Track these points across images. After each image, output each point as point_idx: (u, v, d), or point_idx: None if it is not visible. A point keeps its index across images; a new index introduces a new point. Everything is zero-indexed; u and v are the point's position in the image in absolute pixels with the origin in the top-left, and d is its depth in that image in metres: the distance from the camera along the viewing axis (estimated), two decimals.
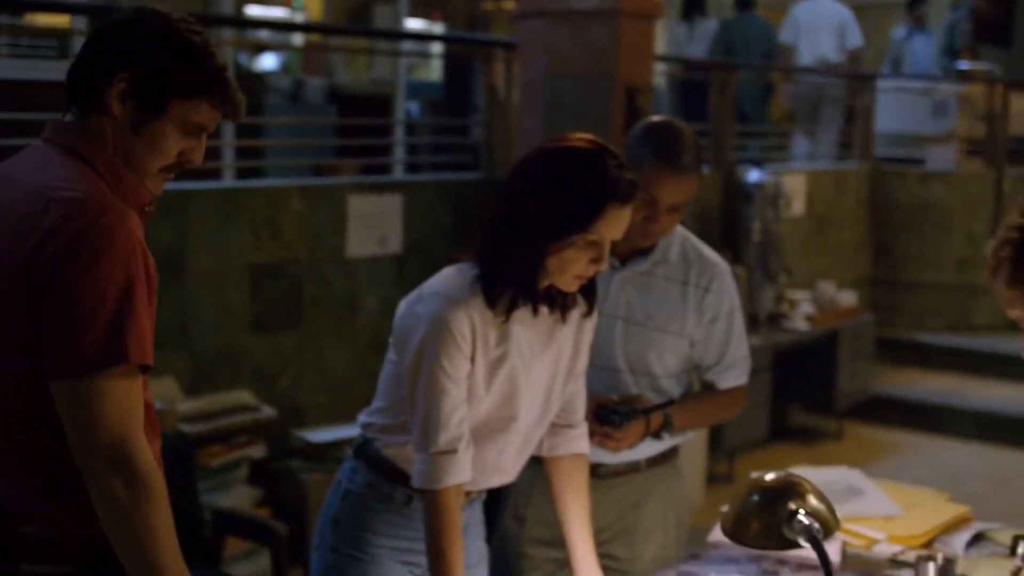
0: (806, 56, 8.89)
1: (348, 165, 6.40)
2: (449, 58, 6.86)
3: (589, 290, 2.40)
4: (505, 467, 2.42)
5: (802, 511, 1.91)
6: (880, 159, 8.40)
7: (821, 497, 1.98)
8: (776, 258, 6.72)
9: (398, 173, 6.48)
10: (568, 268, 2.24)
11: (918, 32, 10.11)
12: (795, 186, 7.42)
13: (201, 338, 4.42)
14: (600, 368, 2.76)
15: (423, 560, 2.37)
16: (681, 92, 9.25)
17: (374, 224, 4.94)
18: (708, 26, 9.52)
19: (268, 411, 4.27)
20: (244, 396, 4.32)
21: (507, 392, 2.35)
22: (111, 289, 1.80)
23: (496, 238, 2.28)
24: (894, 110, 8.49)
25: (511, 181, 2.31)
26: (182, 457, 3.99)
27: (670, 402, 2.73)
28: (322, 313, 4.84)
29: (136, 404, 1.86)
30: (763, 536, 1.96)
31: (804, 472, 3.03)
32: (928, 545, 2.68)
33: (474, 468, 2.29)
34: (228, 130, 5.58)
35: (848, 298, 7.06)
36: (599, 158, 2.24)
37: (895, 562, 2.63)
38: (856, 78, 8.54)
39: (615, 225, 2.24)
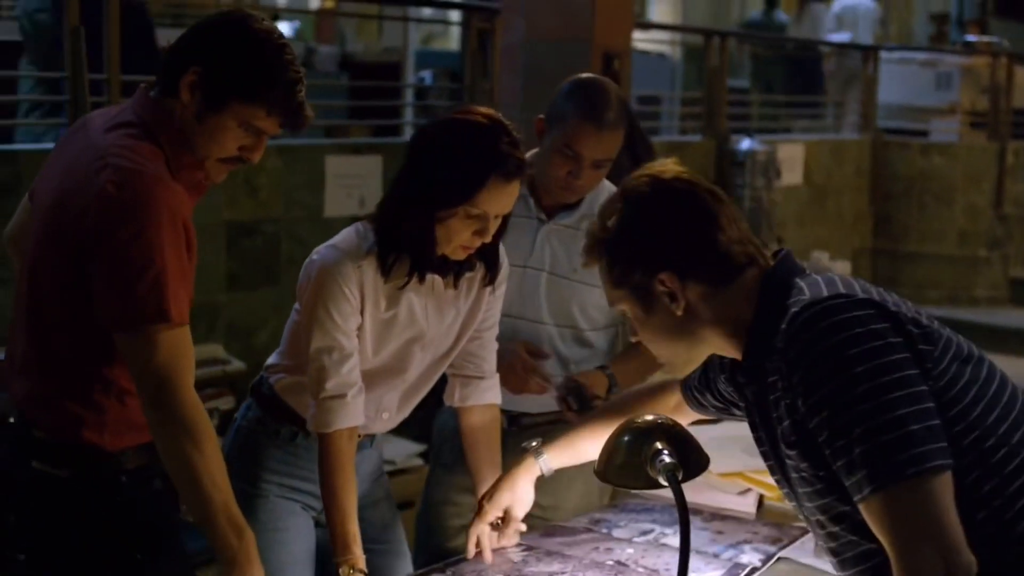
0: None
1: (358, 128, 6.46)
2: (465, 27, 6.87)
3: (491, 260, 2.46)
4: (389, 409, 2.50)
5: (666, 451, 1.97)
6: (883, 130, 8.38)
7: (690, 440, 2.04)
8: (768, 227, 6.73)
9: (407, 137, 6.52)
10: (452, 238, 2.29)
11: None
12: (792, 156, 7.41)
13: None
14: (525, 320, 2.83)
15: (314, 502, 2.46)
16: (788, 66, 9.69)
17: (353, 185, 5.00)
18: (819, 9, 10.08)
19: (238, 364, 4.36)
20: (216, 350, 4.41)
21: (398, 354, 2.42)
22: (153, 257, 2.01)
23: (390, 205, 2.34)
24: (898, 82, 8.46)
25: (408, 150, 2.37)
26: None
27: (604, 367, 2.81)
28: (299, 271, 4.90)
29: (183, 353, 2.08)
30: (628, 474, 2.03)
31: (727, 426, 3.10)
32: None
33: None
34: None
35: (843, 268, 7.06)
36: (491, 132, 2.27)
37: None
38: (860, 49, 8.51)
39: (498, 200, 2.28)
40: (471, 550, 2.49)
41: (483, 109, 2.34)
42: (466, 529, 2.87)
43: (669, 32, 9.22)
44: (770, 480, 2.75)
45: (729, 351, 1.95)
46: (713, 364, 2.17)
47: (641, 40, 9.81)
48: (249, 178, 4.70)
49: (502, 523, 2.52)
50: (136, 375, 2.08)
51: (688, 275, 1.88)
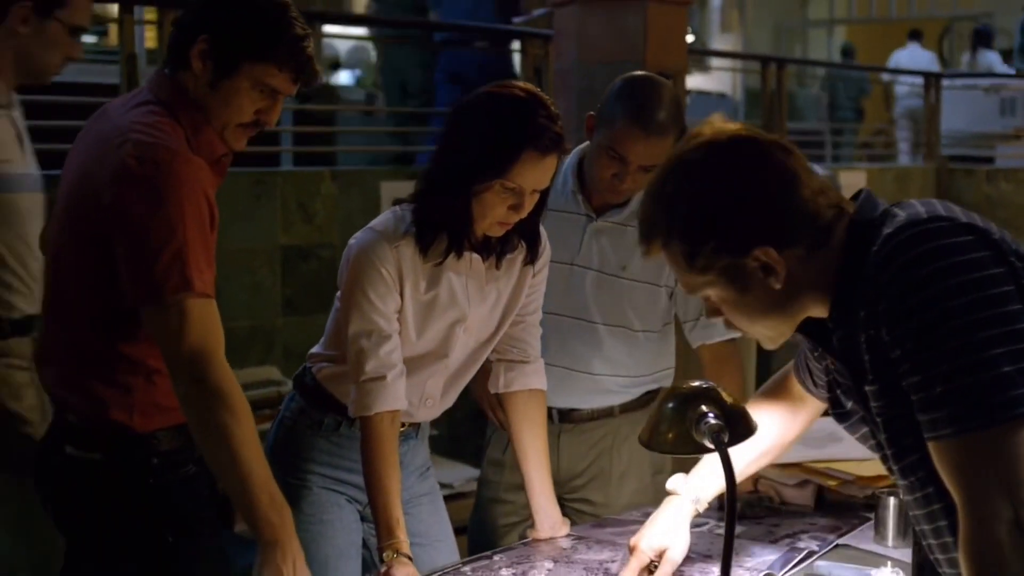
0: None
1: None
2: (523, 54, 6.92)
3: (532, 238, 2.42)
4: (433, 396, 2.45)
5: (711, 414, 1.91)
6: (948, 157, 8.26)
7: (737, 406, 1.97)
8: None
9: None
10: (488, 213, 2.25)
11: None
12: (854, 183, 7.31)
13: (234, 316, 4.53)
14: (573, 318, 2.78)
15: (359, 494, 2.41)
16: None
17: None
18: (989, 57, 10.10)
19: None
20: (271, 372, 4.41)
21: (440, 337, 2.38)
22: (175, 228, 2.00)
23: (429, 181, 2.32)
24: (962, 109, 8.35)
25: (445, 125, 2.34)
26: None
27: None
28: None
29: (213, 324, 2.06)
30: (674, 440, 1.95)
31: None
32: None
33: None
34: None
35: None
36: (527, 105, 2.23)
37: (867, 506, 2.61)
38: (922, 76, 8.43)
39: (533, 174, 2.23)
40: None
41: (522, 84, 2.31)
42: (516, 527, 2.82)
43: (731, 72, 9.19)
44: (829, 472, 2.71)
45: (825, 311, 1.75)
46: (804, 346, 2.03)
47: (702, 82, 9.82)
48: (304, 203, 4.73)
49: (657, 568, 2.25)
50: (167, 351, 2.06)
51: (783, 242, 1.66)
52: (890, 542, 2.41)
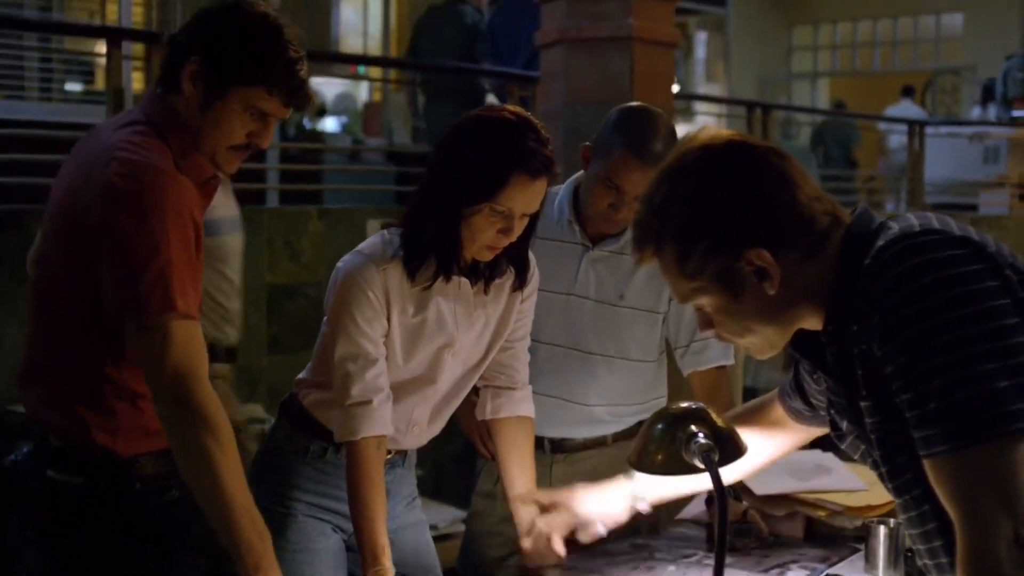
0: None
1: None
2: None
3: (520, 263, 2.41)
4: (420, 423, 2.43)
5: (701, 434, 1.90)
6: (932, 205, 8.31)
7: (727, 426, 1.96)
8: None
9: None
10: (477, 237, 2.23)
11: None
12: None
13: None
14: (571, 350, 2.76)
15: (345, 523, 2.38)
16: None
17: None
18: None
19: None
20: (256, 409, 4.38)
21: (428, 362, 2.36)
22: (159, 246, 1.98)
23: (418, 204, 2.30)
24: (945, 157, 8.41)
25: (436, 148, 2.33)
26: None
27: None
28: None
29: (197, 346, 2.03)
30: (663, 462, 1.94)
31: None
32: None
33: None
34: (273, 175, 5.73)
35: None
36: (517, 129, 2.21)
37: (857, 537, 2.59)
38: (906, 123, 8.49)
39: (523, 197, 2.21)
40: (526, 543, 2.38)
41: (511, 107, 2.31)
42: (508, 560, 2.78)
43: (716, 119, 9.25)
44: (818, 503, 2.68)
45: (819, 323, 1.73)
46: (802, 368, 2.00)
47: (687, 131, 9.86)
48: (291, 241, 4.72)
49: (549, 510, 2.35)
50: (149, 371, 2.03)
51: (777, 245, 1.63)
52: (880, 572, 2.38)
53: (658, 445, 1.95)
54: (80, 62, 7.20)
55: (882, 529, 2.39)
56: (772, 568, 2.44)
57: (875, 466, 1.75)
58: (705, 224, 1.64)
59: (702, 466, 1.88)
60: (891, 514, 2.62)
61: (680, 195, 1.67)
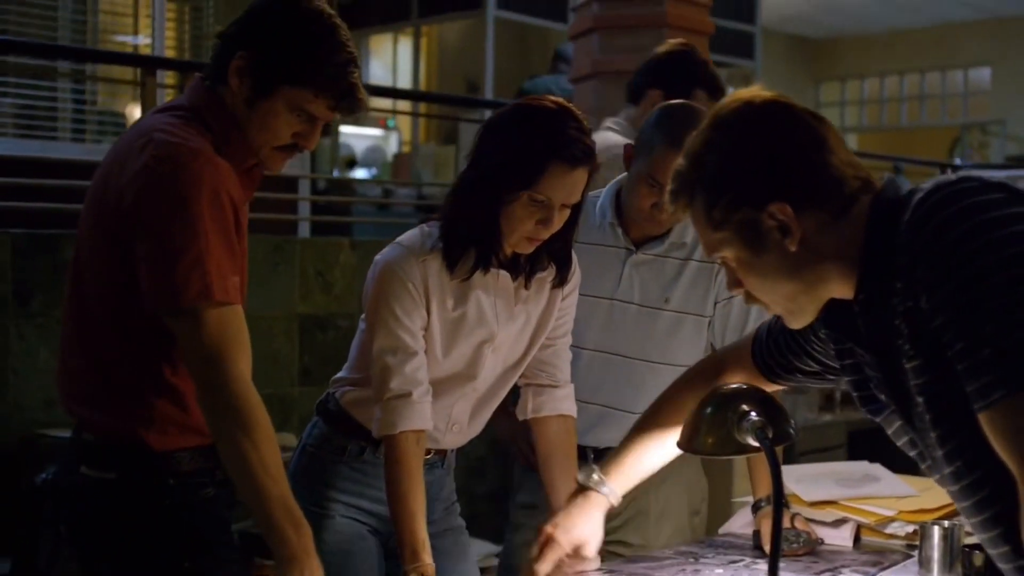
0: None
1: None
2: None
3: (562, 258, 2.37)
4: (460, 421, 2.38)
5: (753, 412, 1.85)
6: None
7: (777, 404, 1.91)
8: None
9: None
10: (516, 227, 2.20)
11: None
12: None
13: None
14: (615, 355, 2.72)
15: (383, 526, 2.34)
16: None
17: None
18: None
19: None
20: (287, 438, 4.32)
21: (468, 358, 2.32)
22: (195, 231, 1.93)
23: (457, 194, 2.28)
24: None
25: (476, 139, 2.30)
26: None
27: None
28: None
29: (234, 333, 1.98)
30: (715, 443, 1.89)
31: (822, 464, 2.94)
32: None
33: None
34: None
35: None
36: (557, 117, 2.20)
37: (909, 545, 2.52)
38: (940, 166, 8.46)
39: (562, 186, 2.18)
40: None
41: (553, 97, 2.28)
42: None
43: None
44: (862, 505, 2.61)
45: (850, 291, 1.69)
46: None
47: None
48: (323, 272, 4.70)
49: (571, 558, 2.25)
50: (187, 358, 1.99)
51: (802, 203, 1.62)
52: (936, 575, 2.31)
53: (709, 427, 1.90)
54: (113, 112, 7.27)
55: (936, 530, 2.31)
56: (823, 572, 2.37)
57: (920, 438, 1.68)
58: (734, 174, 1.66)
59: (755, 444, 1.82)
60: (945, 518, 2.56)
61: (716, 145, 1.68)
